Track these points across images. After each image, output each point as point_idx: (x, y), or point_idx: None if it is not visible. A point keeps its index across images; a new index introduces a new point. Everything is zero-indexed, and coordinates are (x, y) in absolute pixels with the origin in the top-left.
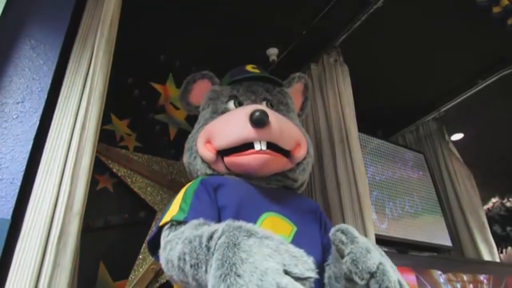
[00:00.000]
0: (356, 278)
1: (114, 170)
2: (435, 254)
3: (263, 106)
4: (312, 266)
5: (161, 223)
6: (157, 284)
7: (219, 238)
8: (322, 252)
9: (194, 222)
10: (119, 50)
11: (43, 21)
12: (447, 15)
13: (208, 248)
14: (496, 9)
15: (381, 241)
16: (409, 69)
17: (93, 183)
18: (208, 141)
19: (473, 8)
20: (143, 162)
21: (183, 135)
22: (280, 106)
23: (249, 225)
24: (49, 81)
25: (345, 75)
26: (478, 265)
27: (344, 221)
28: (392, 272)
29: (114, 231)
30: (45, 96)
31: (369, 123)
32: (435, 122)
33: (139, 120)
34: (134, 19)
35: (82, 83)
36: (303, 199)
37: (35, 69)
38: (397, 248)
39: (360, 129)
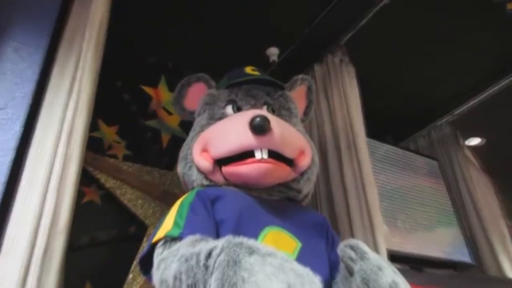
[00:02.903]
0: None
1: (102, 181)
2: (453, 271)
3: (263, 111)
4: (319, 285)
5: (154, 240)
6: None
7: (218, 255)
8: (330, 270)
9: (190, 238)
10: (108, 51)
11: (27, 22)
12: (459, 11)
13: (207, 267)
14: (510, 6)
15: (394, 256)
16: (420, 69)
17: (78, 195)
18: (205, 150)
19: (487, 4)
20: (133, 172)
21: (177, 142)
22: (282, 111)
23: (251, 241)
24: (33, 86)
25: (351, 76)
26: (501, 283)
27: (353, 235)
28: None
29: (102, 248)
30: (29, 102)
31: (378, 128)
32: (449, 125)
33: (129, 127)
34: (124, 18)
35: (68, 87)
36: (308, 211)
37: (18, 72)
38: (411, 264)
39: (368, 134)
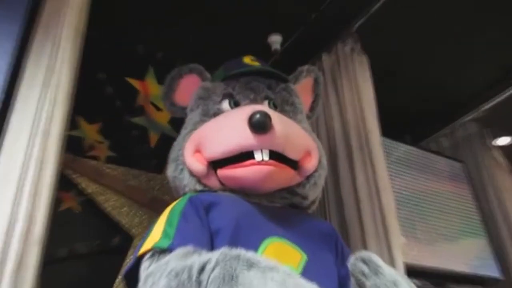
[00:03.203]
0: None
1: (82, 186)
2: (480, 287)
3: (264, 107)
4: None
5: (140, 252)
6: None
7: (213, 270)
8: (339, 286)
9: (181, 250)
10: (88, 39)
11: None
12: None
13: (199, 283)
14: None
15: (412, 271)
16: (442, 59)
17: (55, 202)
18: (198, 150)
19: None
20: (117, 175)
21: (167, 142)
22: (285, 106)
23: (249, 254)
24: (5, 78)
25: (364, 67)
26: None
27: (365, 247)
28: None
29: (82, 261)
30: (0, 96)
31: (394, 126)
32: (475, 123)
33: (113, 124)
34: (107, 1)
35: (44, 80)
36: (315, 220)
37: None
38: (432, 280)
39: (383, 133)
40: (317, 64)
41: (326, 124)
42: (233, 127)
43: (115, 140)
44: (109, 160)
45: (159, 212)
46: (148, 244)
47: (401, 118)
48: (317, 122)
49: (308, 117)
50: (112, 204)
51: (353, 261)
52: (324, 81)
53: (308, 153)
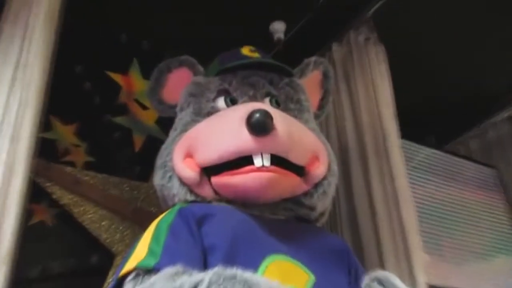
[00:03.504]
0: None
1: (55, 196)
2: None
3: (265, 105)
4: None
5: (122, 272)
6: None
7: None
8: None
9: (169, 270)
10: (63, 27)
11: None
12: None
13: None
14: None
15: None
16: (471, 50)
17: (26, 215)
18: (189, 155)
19: None
20: (96, 184)
21: (154, 145)
22: (290, 104)
23: (247, 274)
24: None
25: (380, 59)
26: None
27: (382, 266)
28: None
29: (56, 282)
30: None
31: (415, 126)
32: (509, 122)
33: (91, 125)
34: None
35: (12, 74)
36: (325, 235)
37: None
38: None
39: (403, 135)
40: (326, 55)
41: (336, 124)
42: (229, 128)
43: (94, 143)
44: (87, 166)
45: (144, 226)
46: (131, 263)
47: (424, 118)
48: (327, 122)
49: (316, 117)
50: (90, 217)
51: (367, 282)
52: (335, 75)
53: (315, 158)
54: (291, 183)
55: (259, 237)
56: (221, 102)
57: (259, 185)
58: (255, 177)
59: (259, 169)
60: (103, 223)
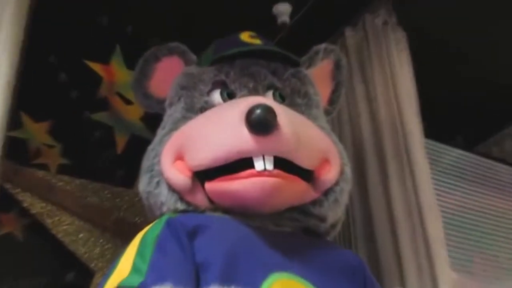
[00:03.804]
0: None
1: (26, 204)
2: None
3: (267, 99)
4: None
5: None
6: None
7: None
8: None
9: None
10: (35, 10)
11: None
12: None
13: None
14: None
15: None
16: (505, 37)
17: None
18: (180, 157)
19: None
20: (72, 190)
21: (139, 146)
22: (296, 98)
23: None
24: None
25: (401, 47)
26: None
27: (403, 285)
28: None
29: None
30: None
31: (442, 125)
32: None
33: (67, 123)
34: None
35: None
36: (336, 250)
37: None
38: None
39: (427, 135)
40: (338, 42)
41: (350, 122)
42: (226, 126)
43: (70, 144)
44: (62, 170)
45: (127, 239)
46: (113, 282)
47: (451, 114)
48: (339, 119)
49: (327, 113)
50: (65, 228)
51: None
52: (348, 64)
53: (326, 161)
54: (297, 190)
55: (261, 253)
56: (216, 96)
57: (260, 192)
58: (256, 183)
59: (260, 174)
60: (80, 235)
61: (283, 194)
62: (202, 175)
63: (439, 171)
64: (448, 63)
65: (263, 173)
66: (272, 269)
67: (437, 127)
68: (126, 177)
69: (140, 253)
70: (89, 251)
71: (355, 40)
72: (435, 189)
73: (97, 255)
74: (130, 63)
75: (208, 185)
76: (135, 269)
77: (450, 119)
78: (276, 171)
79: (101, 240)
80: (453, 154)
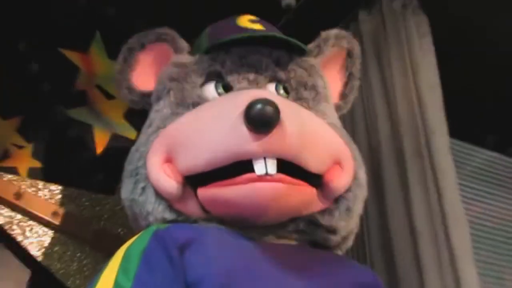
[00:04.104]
0: None
1: None
2: None
3: (269, 93)
4: None
5: None
6: None
7: None
8: None
9: None
10: None
11: None
12: None
13: None
14: None
15: None
16: None
17: None
18: (169, 159)
19: None
20: (46, 197)
21: (121, 146)
22: (303, 91)
23: None
24: None
25: (422, 33)
26: None
27: None
28: None
29: None
30: None
31: (470, 123)
32: None
33: (39, 120)
34: None
35: None
36: (349, 266)
37: None
38: None
39: (453, 134)
40: (351, 27)
41: (365, 119)
42: (222, 124)
43: (42, 144)
44: (33, 173)
45: (108, 254)
46: None
47: (481, 111)
48: (352, 117)
49: (338, 109)
50: (37, 240)
51: None
52: (363, 53)
53: (337, 164)
54: (304, 198)
55: (262, 270)
56: (211, 88)
57: (260, 200)
58: (256, 190)
59: (260, 178)
60: (55, 249)
61: (287, 203)
62: (195, 180)
63: (467, 175)
64: (477, 51)
65: (264, 178)
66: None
67: (464, 125)
68: (107, 182)
69: (123, 269)
70: (65, 266)
71: (371, 25)
72: (462, 196)
73: (74, 271)
74: (111, 52)
75: (201, 192)
76: (117, 286)
77: (480, 115)
78: (279, 176)
79: (78, 254)
80: (483, 156)
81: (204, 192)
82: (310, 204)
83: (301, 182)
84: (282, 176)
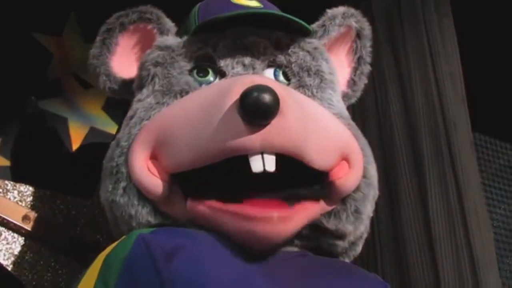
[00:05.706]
0: None
1: None
2: None
3: (268, 79)
4: None
5: None
6: None
7: None
8: None
9: None
10: None
11: None
12: None
13: None
14: None
15: None
16: None
17: None
18: (153, 156)
19: None
20: (15, 200)
21: (99, 142)
22: (306, 77)
23: None
24: None
25: (443, 13)
26: None
27: None
28: None
29: None
30: None
31: (495, 115)
32: None
33: (8, 113)
34: None
35: None
36: (357, 274)
37: None
38: None
39: (476, 128)
40: (361, 4)
41: (377, 109)
42: (213, 115)
43: (11, 140)
44: (1, 173)
45: (86, 262)
46: None
47: (507, 102)
48: (362, 107)
49: (347, 98)
50: (6, 248)
51: None
52: (374, 34)
53: (344, 159)
54: (306, 220)
55: (262, 280)
56: (201, 75)
57: (253, 243)
58: (249, 233)
59: (254, 217)
60: (26, 257)
61: (286, 233)
62: (183, 179)
63: (492, 174)
64: (503, 34)
65: (259, 216)
66: None
67: (489, 118)
68: (84, 182)
69: (102, 279)
70: (37, 277)
71: (383, 2)
72: (486, 197)
73: (48, 283)
74: (88, 35)
75: (191, 205)
76: None
77: (506, 107)
78: (275, 202)
79: (53, 264)
80: (509, 153)
81: (195, 207)
82: (315, 216)
83: (305, 204)
84: (278, 202)
